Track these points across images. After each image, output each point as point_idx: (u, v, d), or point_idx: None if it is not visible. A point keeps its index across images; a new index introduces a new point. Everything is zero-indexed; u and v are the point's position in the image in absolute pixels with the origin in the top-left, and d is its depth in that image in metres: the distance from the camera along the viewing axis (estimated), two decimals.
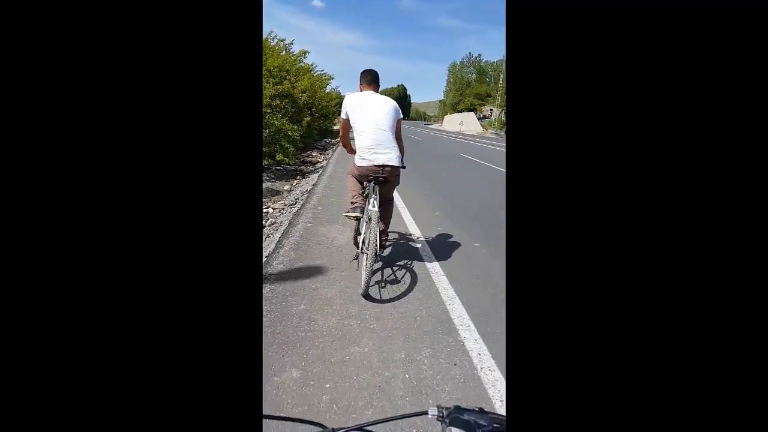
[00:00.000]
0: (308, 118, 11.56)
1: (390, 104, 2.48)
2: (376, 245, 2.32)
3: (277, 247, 3.19)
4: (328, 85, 16.66)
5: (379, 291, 2.50)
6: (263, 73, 8.49)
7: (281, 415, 0.49)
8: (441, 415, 0.45)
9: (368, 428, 0.46)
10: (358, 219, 2.55)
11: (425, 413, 0.46)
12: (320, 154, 11.60)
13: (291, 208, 4.91)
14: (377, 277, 2.68)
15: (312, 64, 14.47)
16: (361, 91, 2.53)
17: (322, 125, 16.92)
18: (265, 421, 0.41)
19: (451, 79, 67.01)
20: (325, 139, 17.53)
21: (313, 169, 8.54)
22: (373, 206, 2.37)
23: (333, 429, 0.44)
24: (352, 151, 2.65)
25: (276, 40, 10.62)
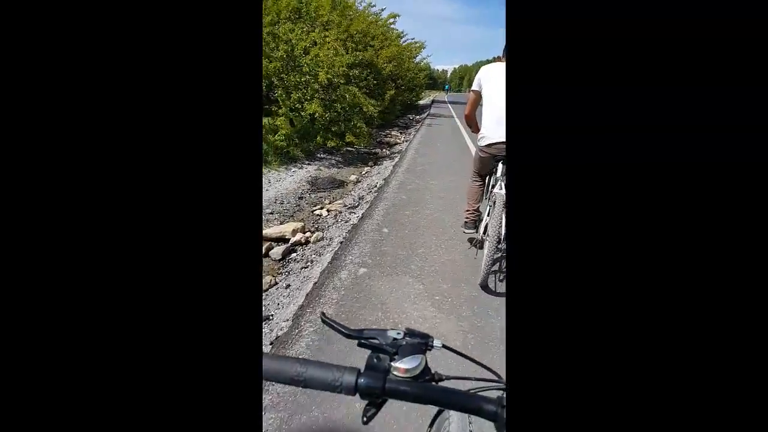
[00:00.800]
0: (392, 92, 10.16)
1: None
2: (500, 231, 2.02)
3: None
4: (418, 54, 14.99)
5: (496, 283, 2.27)
6: (343, 37, 7.29)
7: (459, 350, 0.50)
8: None
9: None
10: (472, 239, 2.46)
11: None
12: (401, 133, 10.21)
13: (350, 214, 3.64)
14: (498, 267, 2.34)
15: (402, 32, 12.92)
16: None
17: (407, 98, 15.41)
18: (441, 349, 0.45)
19: None
20: (409, 115, 16.03)
21: (389, 153, 7.20)
22: (501, 188, 2.09)
23: (506, 382, 0.40)
24: (476, 129, 2.40)
25: (364, 5, 9.39)
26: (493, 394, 0.41)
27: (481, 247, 2.38)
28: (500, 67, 2.24)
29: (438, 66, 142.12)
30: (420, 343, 0.44)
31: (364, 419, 0.39)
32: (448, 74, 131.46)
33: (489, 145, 2.20)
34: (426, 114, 15.53)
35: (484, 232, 2.25)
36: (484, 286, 2.19)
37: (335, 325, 0.45)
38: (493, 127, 2.16)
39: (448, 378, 0.45)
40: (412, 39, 13.51)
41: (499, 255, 2.31)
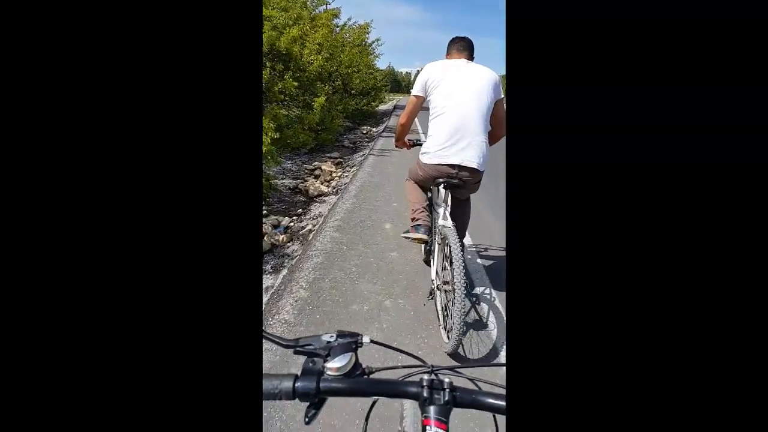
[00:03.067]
0: (321, 99, 6.53)
1: (490, 77, 1.71)
2: (465, 279, 1.48)
3: None
4: (363, 40, 11.46)
5: (471, 345, 1.73)
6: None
7: (385, 343, 0.54)
8: None
9: (461, 370, 0.52)
10: (424, 242, 1.88)
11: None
12: (337, 166, 6.65)
13: None
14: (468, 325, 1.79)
15: (337, 10, 9.37)
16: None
17: (357, 106, 11.80)
18: (370, 345, 0.48)
19: None
20: (364, 127, 12.44)
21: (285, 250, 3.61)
22: (445, 219, 1.69)
23: (432, 366, 0.49)
24: (403, 146, 2.11)
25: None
26: (417, 377, 0.45)
27: (432, 297, 1.84)
28: (452, 65, 1.73)
29: (402, 69, 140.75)
30: (350, 342, 0.47)
31: (306, 419, 0.41)
32: (412, 76, 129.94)
33: (434, 166, 1.73)
34: (383, 126, 11.98)
35: (439, 282, 1.70)
36: (454, 354, 1.60)
37: (273, 339, 0.47)
38: (443, 144, 1.69)
39: (378, 369, 0.49)
40: (354, 23, 9.96)
41: (467, 306, 1.73)
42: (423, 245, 2.09)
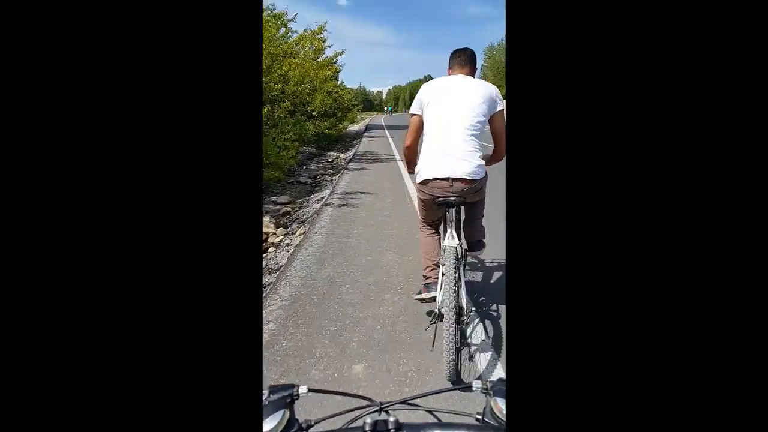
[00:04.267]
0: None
1: (485, 90, 1.66)
2: (455, 304, 1.43)
3: None
4: (329, 64, 9.57)
5: (469, 371, 1.56)
6: None
7: (326, 388, 0.51)
8: (485, 387, 0.48)
9: (413, 401, 0.49)
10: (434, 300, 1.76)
11: (470, 387, 0.49)
12: (278, 231, 4.65)
13: None
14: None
15: (283, 14, 7.48)
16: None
17: (318, 130, 9.85)
18: (309, 395, 0.45)
19: (488, 64, 60.09)
20: (330, 153, 10.47)
21: None
22: (452, 238, 1.59)
23: (381, 403, 0.47)
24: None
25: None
26: (361, 421, 0.42)
27: (441, 320, 1.57)
28: (445, 82, 1.72)
29: (373, 88, 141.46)
30: (283, 396, 0.44)
31: None
32: (384, 95, 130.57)
33: (425, 182, 1.68)
34: (353, 152, 10.02)
35: (442, 308, 1.52)
36: (454, 380, 1.47)
37: None
38: (429, 160, 1.66)
39: (317, 421, 0.46)
40: (306, 29, 8.10)
41: (456, 330, 1.45)
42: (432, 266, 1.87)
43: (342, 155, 10.42)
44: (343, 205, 4.33)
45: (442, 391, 0.52)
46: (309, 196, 5.77)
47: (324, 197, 5.14)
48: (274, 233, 4.04)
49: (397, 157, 8.23)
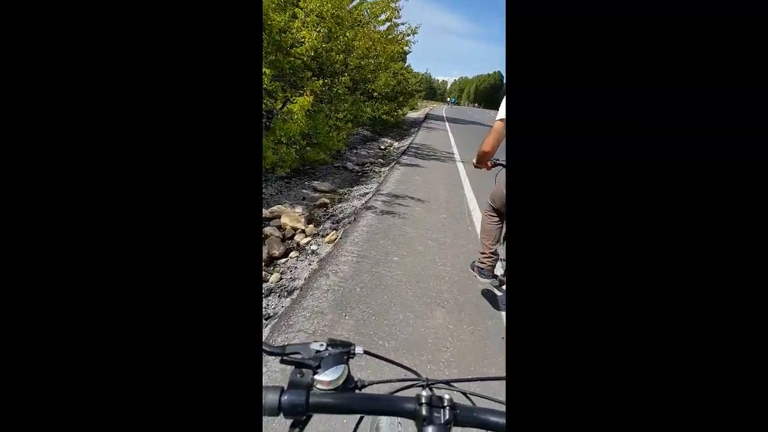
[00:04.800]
0: (305, 98, 3.90)
1: None
2: None
3: None
4: (398, 40, 8.68)
5: None
6: None
7: (379, 354, 0.51)
8: None
9: (456, 384, 0.49)
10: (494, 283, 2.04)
11: None
12: (309, 227, 3.99)
13: None
14: None
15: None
16: None
17: (375, 114, 9.08)
18: (363, 355, 0.46)
19: None
20: (384, 140, 9.70)
21: None
22: None
23: (428, 379, 0.46)
24: (485, 167, 1.87)
25: None
26: (413, 392, 0.42)
27: (501, 285, 1.99)
28: None
29: (438, 77, 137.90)
30: (342, 352, 0.44)
31: None
32: (448, 85, 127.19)
33: None
34: (408, 142, 9.18)
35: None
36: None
37: None
38: None
39: (371, 383, 0.46)
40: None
41: None
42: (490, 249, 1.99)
43: (396, 144, 9.62)
44: (388, 212, 3.56)
45: (487, 379, 0.52)
46: (352, 187, 5.07)
47: (368, 193, 4.40)
48: (303, 230, 3.39)
49: (457, 157, 7.31)
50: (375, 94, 9.52)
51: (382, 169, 6.34)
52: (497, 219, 1.93)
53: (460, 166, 6.31)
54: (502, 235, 1.95)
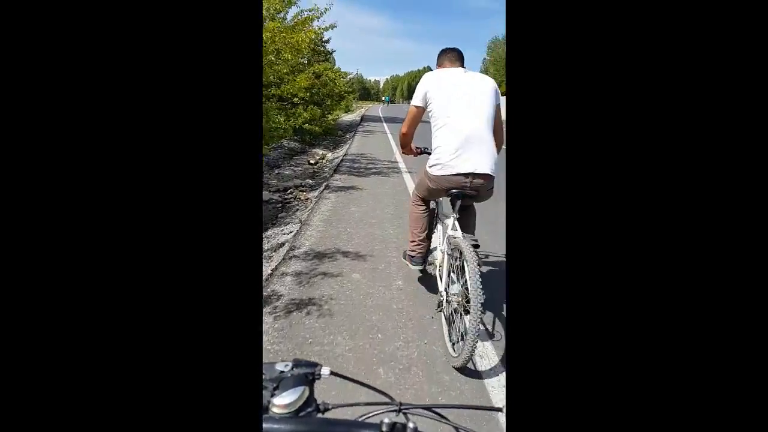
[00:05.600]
0: None
1: (490, 83, 1.76)
2: (482, 292, 1.39)
3: None
4: (312, 33, 7.13)
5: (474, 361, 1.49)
6: None
7: (349, 376, 0.48)
8: None
9: (437, 410, 0.46)
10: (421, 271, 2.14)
11: (500, 409, 0.45)
12: None
13: None
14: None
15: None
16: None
17: (296, 124, 7.49)
18: (330, 377, 0.43)
19: (491, 58, 57.87)
20: (315, 151, 8.09)
21: None
22: (455, 229, 1.65)
23: (400, 403, 0.44)
24: (410, 152, 2.08)
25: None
26: (378, 418, 0.40)
27: (440, 309, 1.71)
28: (452, 74, 1.74)
29: (370, 77, 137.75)
30: (306, 373, 0.42)
31: None
32: (381, 84, 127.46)
33: (446, 177, 1.68)
34: (342, 153, 7.71)
35: (451, 296, 1.59)
36: (462, 369, 1.50)
37: None
38: (452, 153, 1.65)
39: (335, 406, 0.43)
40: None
41: (482, 319, 1.42)
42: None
43: (330, 154, 8.12)
44: (302, 303, 2.08)
45: (468, 407, 0.49)
46: (266, 232, 3.55)
47: (285, 244, 2.92)
48: None
49: (402, 166, 5.98)
50: (294, 99, 7.97)
51: (310, 195, 4.87)
52: (424, 207, 1.98)
53: (408, 179, 4.99)
54: (432, 222, 2.03)
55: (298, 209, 4.28)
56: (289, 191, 5.18)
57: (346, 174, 5.43)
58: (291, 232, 3.34)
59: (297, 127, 5.54)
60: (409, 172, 5.35)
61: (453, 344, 1.54)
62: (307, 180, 5.78)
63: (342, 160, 6.59)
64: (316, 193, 4.76)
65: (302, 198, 4.75)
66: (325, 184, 4.91)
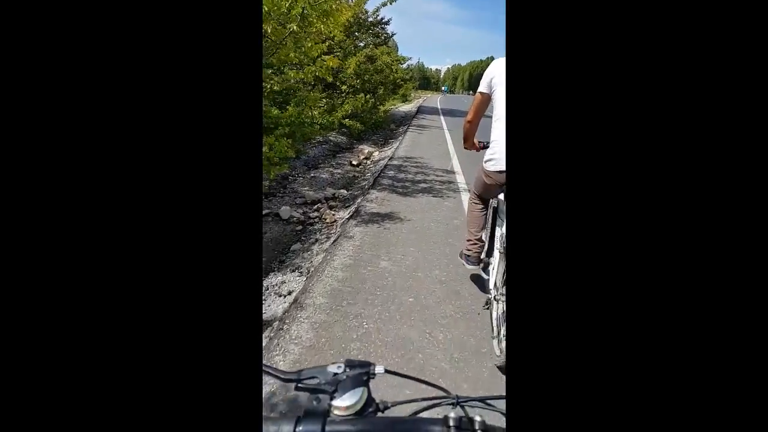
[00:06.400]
0: None
1: None
2: None
3: None
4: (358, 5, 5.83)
5: None
6: None
7: (404, 372, 0.48)
8: None
9: (491, 402, 0.46)
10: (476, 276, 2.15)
11: None
12: None
13: None
14: None
15: None
16: None
17: (334, 119, 6.40)
18: (384, 375, 0.43)
19: None
20: (362, 147, 7.02)
21: None
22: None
23: (458, 396, 0.44)
24: (472, 147, 1.99)
25: None
26: (442, 412, 0.40)
27: (488, 307, 1.70)
28: None
29: (431, 65, 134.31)
30: (360, 373, 0.42)
31: None
32: (441, 74, 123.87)
33: (501, 173, 1.62)
34: (392, 150, 6.56)
35: (497, 293, 1.59)
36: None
37: (272, 372, 0.44)
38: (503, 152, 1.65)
39: (394, 404, 0.43)
40: None
41: None
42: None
43: (377, 153, 7.03)
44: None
45: None
46: (270, 274, 2.53)
47: (287, 311, 1.89)
48: None
49: (462, 181, 4.71)
50: (343, 87, 6.91)
51: (338, 215, 3.81)
52: (482, 206, 1.94)
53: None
54: (492, 221, 1.90)
55: (318, 240, 3.24)
56: (316, 206, 4.17)
57: (386, 190, 4.25)
58: (284, 296, 2.29)
59: (328, 124, 4.46)
60: (456, 184, 4.11)
61: (499, 343, 1.51)
62: (342, 190, 4.73)
63: (386, 165, 5.44)
64: (345, 214, 3.69)
65: (328, 220, 3.70)
66: (354, 208, 3.76)
